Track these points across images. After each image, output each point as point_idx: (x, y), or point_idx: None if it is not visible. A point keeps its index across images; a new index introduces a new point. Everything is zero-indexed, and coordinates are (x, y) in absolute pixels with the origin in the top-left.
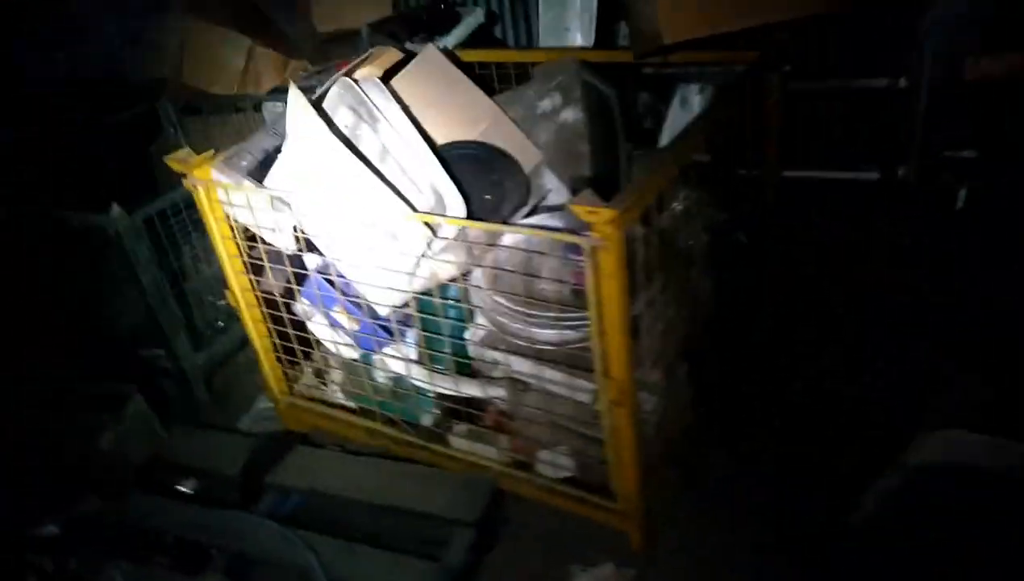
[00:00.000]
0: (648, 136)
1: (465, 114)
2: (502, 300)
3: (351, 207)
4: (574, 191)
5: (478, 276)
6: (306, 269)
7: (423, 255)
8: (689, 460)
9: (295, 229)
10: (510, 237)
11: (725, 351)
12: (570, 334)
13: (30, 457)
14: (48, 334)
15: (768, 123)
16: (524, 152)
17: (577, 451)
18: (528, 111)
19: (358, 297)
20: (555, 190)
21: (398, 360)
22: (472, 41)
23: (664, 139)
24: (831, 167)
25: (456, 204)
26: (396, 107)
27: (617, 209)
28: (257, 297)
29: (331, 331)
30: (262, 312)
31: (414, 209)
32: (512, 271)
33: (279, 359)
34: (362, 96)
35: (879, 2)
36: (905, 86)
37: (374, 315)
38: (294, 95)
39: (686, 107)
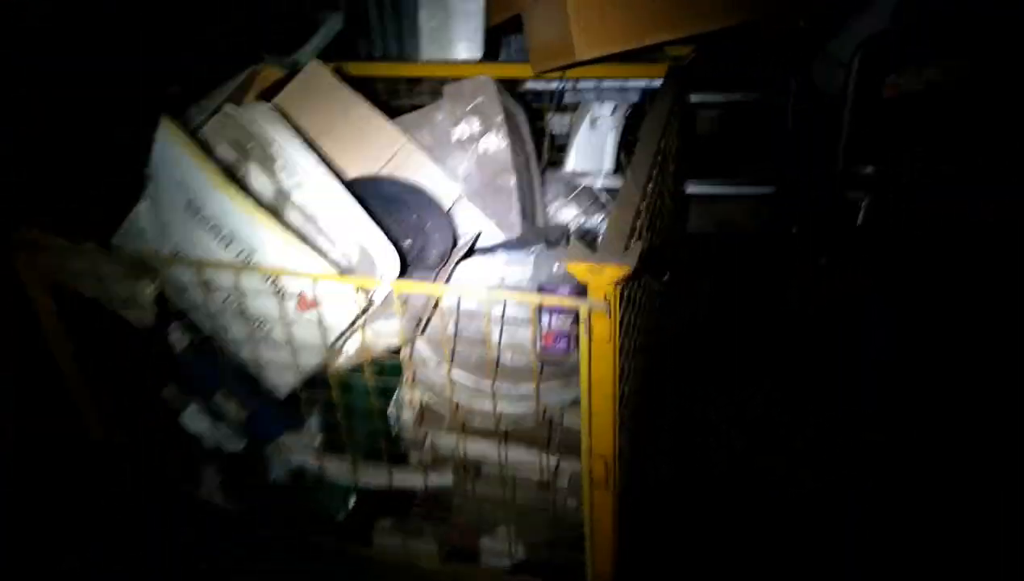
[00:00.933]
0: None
1: (367, 143)
2: (463, 375)
3: (251, 269)
4: (550, 240)
5: (422, 348)
6: (175, 348)
7: (353, 326)
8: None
9: (159, 299)
10: (455, 294)
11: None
12: (542, 405)
13: None
14: None
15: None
16: (441, 187)
17: (531, 533)
18: (440, 138)
19: (251, 379)
20: (483, 230)
21: (305, 450)
22: (331, 53)
23: (572, 163)
24: (730, 182)
25: (388, 260)
26: (298, 141)
27: (626, 266)
28: (100, 384)
29: (210, 422)
30: (108, 402)
31: (337, 268)
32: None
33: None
34: (249, 129)
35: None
36: (801, 102)
37: (273, 399)
38: (168, 127)
39: (596, 127)
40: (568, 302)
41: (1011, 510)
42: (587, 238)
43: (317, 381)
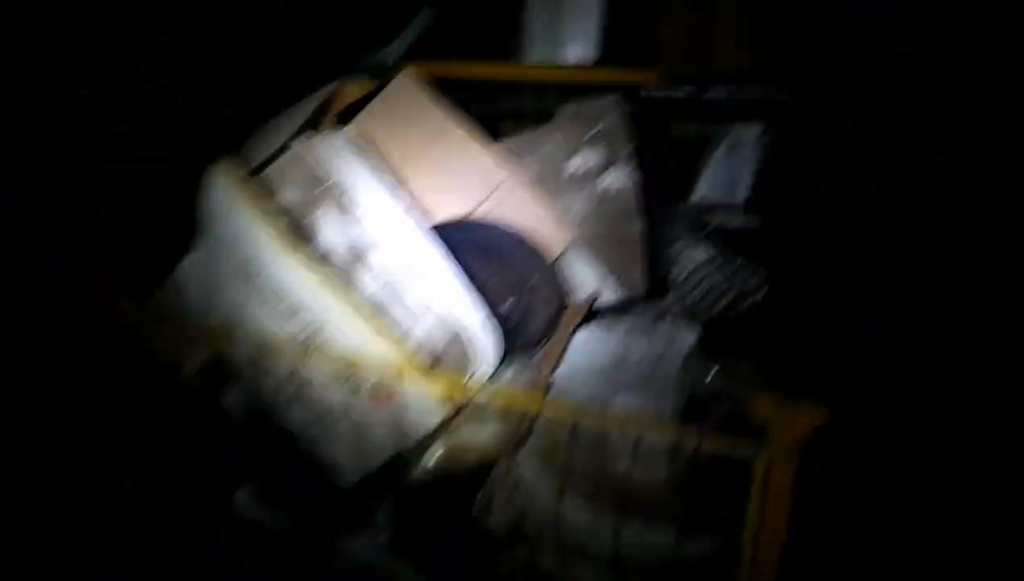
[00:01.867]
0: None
1: (462, 176)
2: (577, 508)
3: (315, 354)
4: (688, 308)
5: (525, 468)
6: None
7: (440, 428)
8: None
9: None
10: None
11: None
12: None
13: None
14: None
15: None
16: (549, 232)
17: None
18: (551, 170)
19: (311, 463)
20: (598, 284)
21: (371, 547)
22: (418, 50)
23: (701, 192)
24: None
25: (485, 350)
26: (381, 185)
27: (828, 407)
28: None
29: (263, 509)
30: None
31: (422, 352)
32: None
33: None
34: (323, 169)
35: None
36: None
37: (335, 487)
38: (225, 173)
39: (735, 155)
40: (735, 448)
41: (1016, 497)
42: (724, 300)
43: (388, 468)
